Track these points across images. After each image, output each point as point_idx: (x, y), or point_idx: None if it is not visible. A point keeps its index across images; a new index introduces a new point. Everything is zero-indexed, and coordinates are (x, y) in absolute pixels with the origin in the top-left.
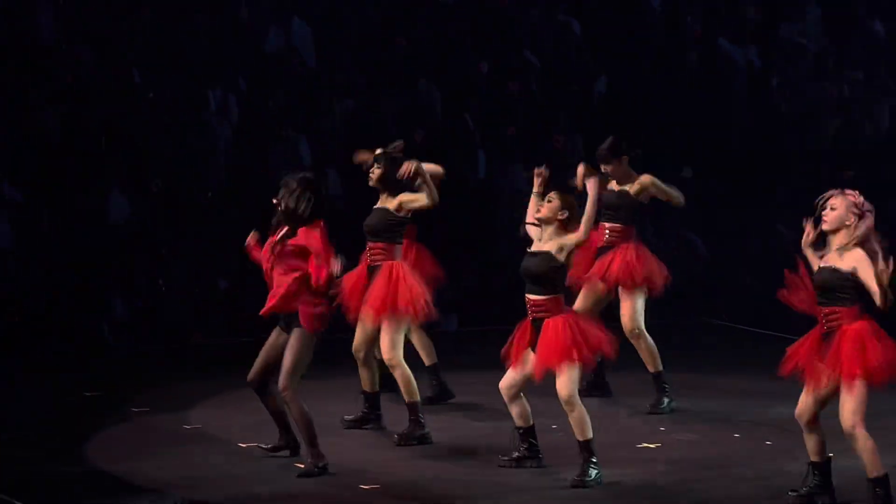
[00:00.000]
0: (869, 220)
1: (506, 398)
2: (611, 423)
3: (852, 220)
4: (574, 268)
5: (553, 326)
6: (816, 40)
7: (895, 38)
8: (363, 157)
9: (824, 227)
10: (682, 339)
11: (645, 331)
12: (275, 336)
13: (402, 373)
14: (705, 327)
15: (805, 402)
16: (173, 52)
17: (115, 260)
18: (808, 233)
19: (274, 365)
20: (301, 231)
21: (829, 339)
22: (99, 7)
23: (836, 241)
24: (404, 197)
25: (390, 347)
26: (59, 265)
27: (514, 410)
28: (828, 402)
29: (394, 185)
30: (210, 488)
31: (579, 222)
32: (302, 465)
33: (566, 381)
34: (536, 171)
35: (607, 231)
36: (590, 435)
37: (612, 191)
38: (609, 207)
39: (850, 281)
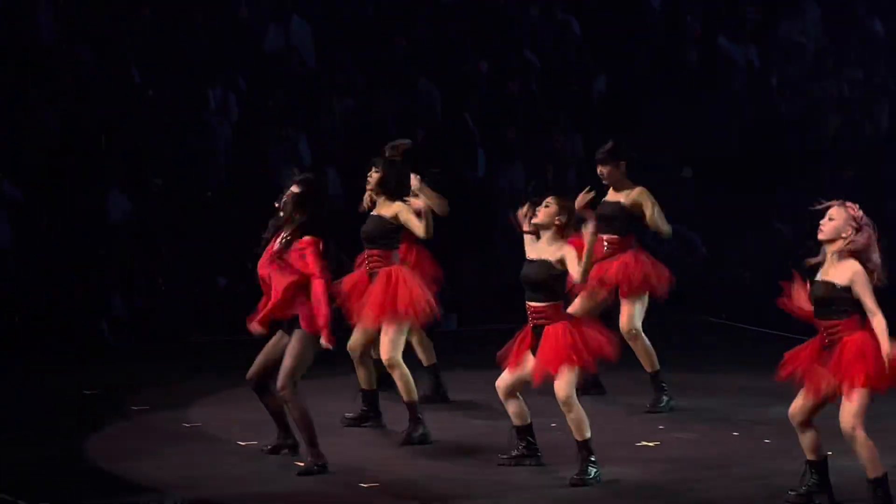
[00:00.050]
0: (866, 233)
1: (502, 397)
2: (610, 422)
3: (849, 232)
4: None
5: (553, 333)
6: (816, 40)
7: (895, 38)
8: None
9: (820, 236)
10: (681, 337)
11: (642, 332)
12: (277, 338)
13: (401, 373)
14: (704, 326)
15: (800, 405)
16: (173, 51)
17: (115, 259)
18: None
19: (273, 366)
20: (296, 253)
21: (830, 349)
22: (99, 7)
23: (832, 250)
24: (402, 213)
25: (390, 348)
26: (58, 264)
27: (511, 409)
28: (823, 408)
29: (392, 190)
30: (210, 487)
31: (577, 227)
32: (301, 464)
33: (564, 383)
34: (520, 212)
35: (606, 242)
36: (588, 435)
37: (608, 202)
38: (605, 219)
39: (847, 294)
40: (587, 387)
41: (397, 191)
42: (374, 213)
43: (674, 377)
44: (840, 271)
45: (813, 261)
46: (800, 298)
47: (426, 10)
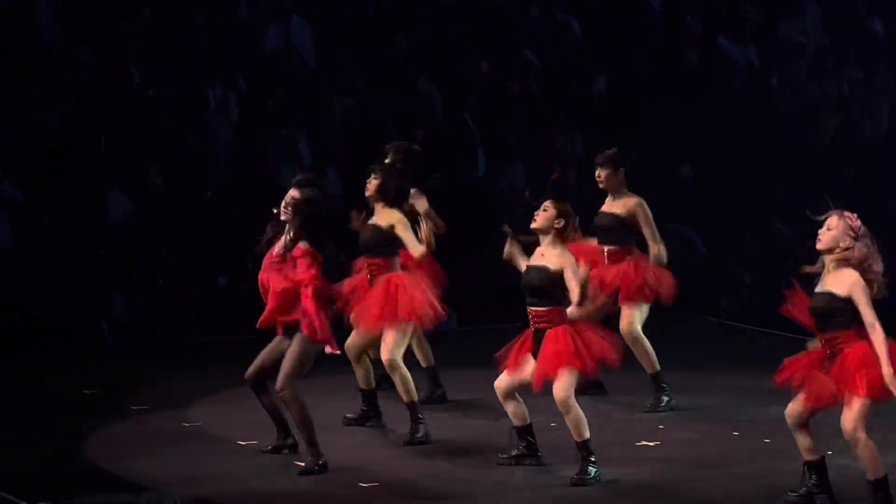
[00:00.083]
0: (863, 244)
1: (500, 398)
2: (610, 421)
3: (847, 241)
4: None
5: (554, 337)
6: (816, 39)
7: (895, 38)
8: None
9: (818, 245)
10: (681, 337)
11: (642, 334)
12: (278, 340)
13: (401, 374)
14: (704, 326)
15: (796, 409)
16: (173, 51)
17: (115, 259)
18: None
19: (271, 367)
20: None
21: (831, 360)
22: (99, 7)
23: (830, 260)
24: (398, 227)
25: (391, 350)
26: (58, 264)
27: (510, 410)
28: (819, 413)
29: (391, 197)
30: (209, 486)
31: (576, 230)
32: (301, 464)
33: (563, 385)
34: (510, 233)
35: (606, 253)
36: (587, 435)
37: (604, 213)
38: (602, 230)
39: (847, 304)
40: (587, 387)
41: (396, 198)
42: (370, 221)
43: (674, 377)
44: (839, 282)
45: (809, 269)
46: (802, 305)
47: (426, 10)
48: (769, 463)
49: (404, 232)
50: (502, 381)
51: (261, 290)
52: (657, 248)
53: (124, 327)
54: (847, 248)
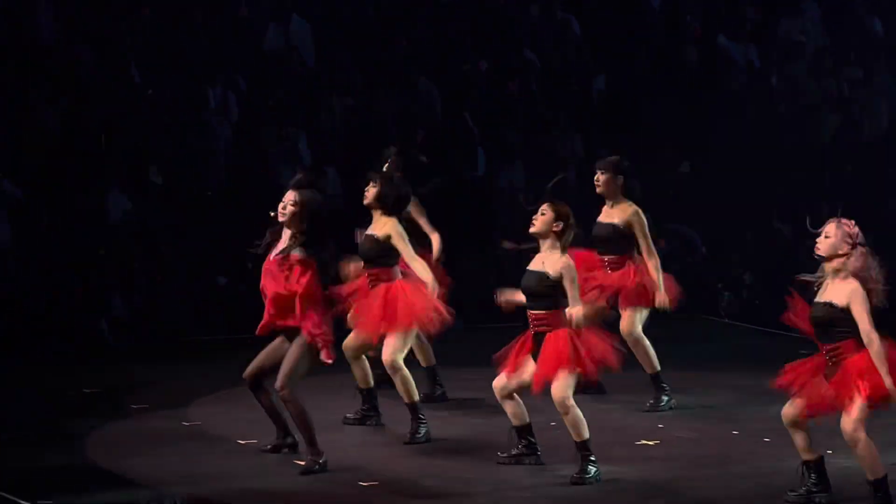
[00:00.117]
0: (860, 254)
1: (498, 397)
2: (610, 421)
3: (846, 248)
4: None
5: (554, 339)
6: (816, 39)
7: (894, 37)
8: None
9: (817, 253)
10: (680, 336)
11: (643, 335)
12: (278, 342)
13: (402, 376)
14: (704, 324)
15: (792, 411)
16: (173, 50)
17: (115, 258)
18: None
19: (270, 368)
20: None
21: (833, 369)
22: (99, 6)
23: (830, 268)
24: (395, 237)
25: (393, 351)
26: (58, 264)
27: (508, 409)
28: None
29: (389, 206)
30: (209, 485)
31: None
32: (301, 462)
33: (561, 385)
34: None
35: (606, 263)
36: (586, 435)
37: (602, 224)
38: (601, 241)
39: (846, 314)
40: (585, 387)
41: (395, 207)
42: (368, 231)
43: (674, 376)
44: (839, 291)
45: (806, 277)
46: (803, 313)
47: (426, 10)
48: (769, 462)
49: (400, 242)
50: (500, 382)
51: (262, 294)
52: (652, 262)
53: (124, 327)
54: (845, 256)
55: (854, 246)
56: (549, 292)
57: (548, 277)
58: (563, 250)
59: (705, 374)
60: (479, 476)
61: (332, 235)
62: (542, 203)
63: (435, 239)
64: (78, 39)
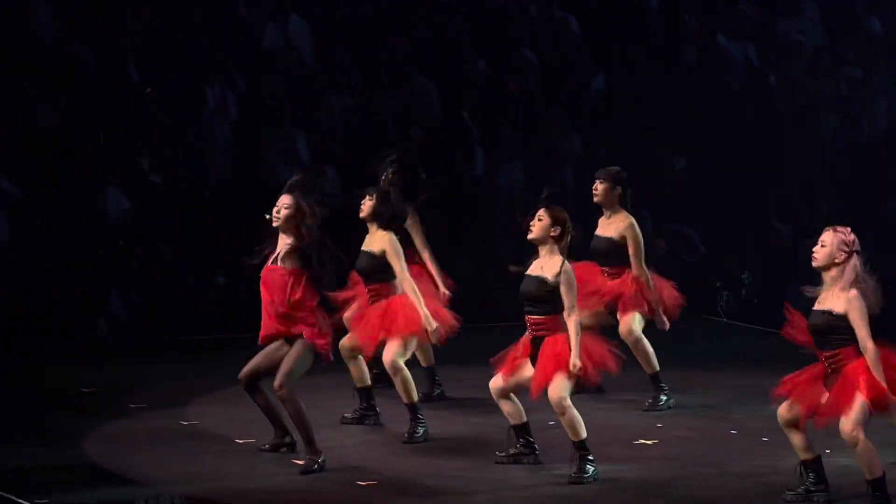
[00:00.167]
0: (854, 263)
1: (494, 397)
2: (608, 420)
3: (842, 257)
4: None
5: (553, 343)
6: (814, 38)
7: (893, 36)
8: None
9: (814, 263)
10: (679, 336)
11: (643, 336)
12: (275, 345)
13: (403, 377)
14: (702, 324)
15: (788, 414)
16: (172, 49)
17: (113, 257)
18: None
19: (266, 370)
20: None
21: (832, 379)
22: (97, 5)
23: (828, 277)
24: (389, 254)
25: (395, 353)
26: (57, 263)
27: (505, 408)
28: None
29: (386, 221)
30: (207, 484)
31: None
32: (299, 462)
33: (558, 386)
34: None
35: (606, 274)
36: (583, 435)
37: (599, 237)
38: (600, 254)
39: (845, 322)
40: (585, 385)
41: (391, 222)
42: (364, 248)
43: (672, 376)
44: (837, 299)
45: (810, 291)
46: (800, 325)
47: (425, 9)
48: (767, 461)
49: (395, 260)
50: (497, 382)
51: (262, 297)
52: (642, 279)
53: (123, 326)
54: (842, 263)
55: (851, 254)
56: (548, 297)
57: (546, 283)
58: (563, 254)
59: (704, 374)
60: (478, 475)
61: (329, 236)
62: (539, 208)
63: (427, 258)
64: (77, 39)
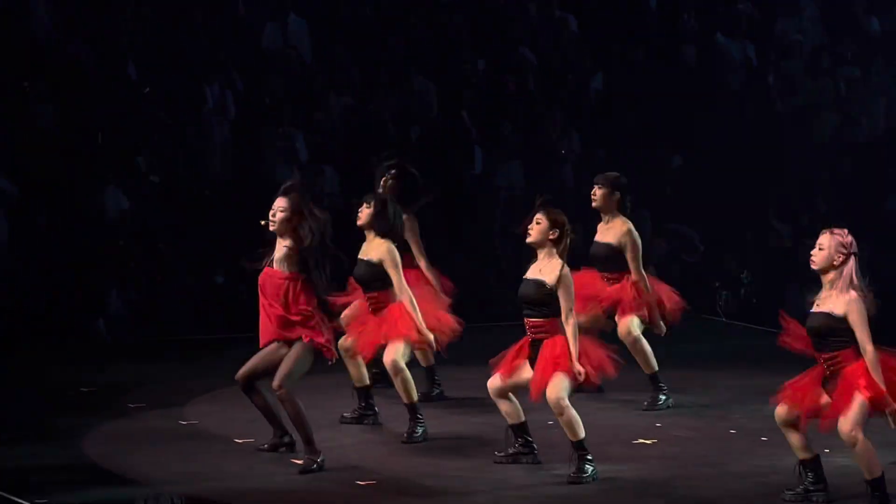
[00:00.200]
0: (850, 266)
1: (492, 396)
2: (607, 419)
3: (840, 258)
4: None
5: (552, 346)
6: (813, 37)
7: (891, 36)
8: None
9: (813, 266)
10: (678, 335)
11: (641, 336)
12: (273, 347)
13: (403, 377)
14: (702, 323)
15: (786, 414)
16: (171, 48)
17: (112, 256)
18: None
19: (264, 372)
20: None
21: (832, 381)
22: (97, 4)
23: (827, 279)
24: (387, 264)
25: (396, 353)
26: (56, 262)
27: (503, 408)
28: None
29: (384, 230)
30: (206, 484)
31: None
32: (297, 461)
33: (556, 386)
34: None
35: (606, 279)
36: (582, 435)
37: (599, 243)
38: (599, 260)
39: (844, 324)
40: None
41: (390, 231)
42: (361, 256)
43: (672, 375)
44: (836, 301)
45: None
46: (796, 333)
47: (424, 8)
48: (766, 461)
49: (393, 271)
50: (495, 382)
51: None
52: (640, 284)
53: (121, 325)
54: (841, 265)
55: (849, 255)
56: (547, 300)
57: (545, 286)
58: (562, 257)
59: (703, 374)
60: (477, 475)
61: (328, 235)
62: (537, 212)
63: (423, 265)
64: (76, 38)
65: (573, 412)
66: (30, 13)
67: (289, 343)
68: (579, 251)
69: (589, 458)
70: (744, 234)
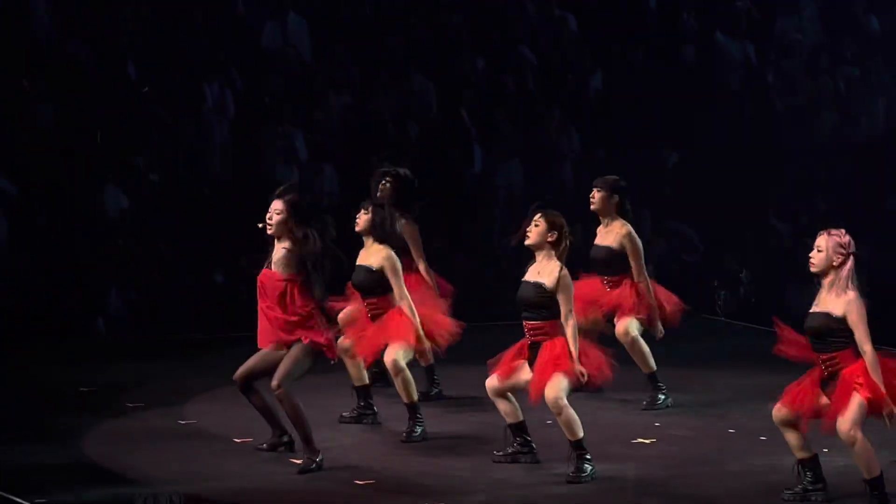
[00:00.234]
0: (849, 266)
1: (490, 396)
2: (606, 419)
3: (839, 259)
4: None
5: (551, 348)
6: (812, 36)
7: (891, 35)
8: None
9: (812, 269)
10: (677, 334)
11: (639, 337)
12: (273, 347)
13: (404, 377)
14: (701, 323)
15: (784, 413)
16: (170, 48)
17: (111, 255)
18: None
19: (260, 373)
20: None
21: (830, 382)
22: (97, 4)
23: (827, 280)
24: (388, 271)
25: (397, 353)
26: (55, 261)
27: (501, 407)
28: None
29: (381, 235)
30: (205, 483)
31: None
32: (296, 461)
33: (554, 385)
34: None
35: (607, 283)
36: (580, 434)
37: (599, 246)
38: (599, 263)
39: (843, 324)
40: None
41: (387, 236)
42: (360, 262)
43: (671, 374)
44: (836, 301)
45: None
46: (791, 339)
47: (423, 7)
48: (764, 460)
49: (393, 278)
50: (492, 382)
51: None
52: (642, 285)
53: (121, 325)
54: (840, 266)
55: (848, 255)
56: (546, 303)
57: (544, 288)
58: (561, 260)
59: (702, 373)
60: (476, 474)
61: (328, 234)
62: (535, 214)
63: (422, 269)
64: (75, 37)
65: (572, 412)
66: (30, 13)
67: (288, 346)
68: (578, 251)
69: (588, 457)
70: (743, 233)
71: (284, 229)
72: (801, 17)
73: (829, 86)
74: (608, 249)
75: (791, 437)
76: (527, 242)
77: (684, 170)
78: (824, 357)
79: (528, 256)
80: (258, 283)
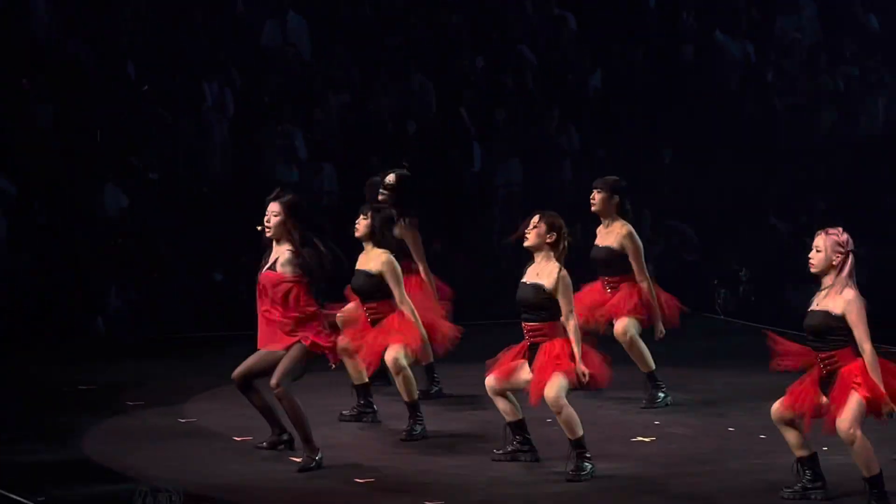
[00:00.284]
0: (849, 265)
1: (490, 394)
2: (605, 417)
3: (838, 258)
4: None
5: (550, 348)
6: (812, 35)
7: (890, 33)
8: None
9: (812, 269)
10: (677, 333)
11: (637, 337)
12: (272, 348)
13: (405, 376)
14: (700, 321)
15: (781, 413)
16: (170, 47)
17: (111, 254)
18: None
19: (259, 372)
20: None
21: (829, 382)
22: (96, 3)
23: (827, 280)
24: (387, 275)
25: (398, 352)
26: (54, 260)
27: (500, 406)
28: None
29: (379, 240)
30: (205, 482)
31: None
32: (296, 459)
33: (554, 385)
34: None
35: (607, 284)
36: (580, 433)
37: (599, 247)
38: (600, 263)
39: (842, 323)
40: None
41: (386, 241)
42: (359, 266)
43: (670, 373)
44: (835, 300)
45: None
46: (786, 349)
47: (424, 7)
48: (764, 458)
49: (393, 283)
50: (492, 380)
51: (258, 301)
52: (644, 286)
53: (121, 323)
54: (839, 265)
55: (847, 254)
56: (546, 304)
57: (543, 289)
58: (559, 261)
59: (701, 372)
60: (475, 472)
61: (325, 235)
62: (533, 215)
63: (422, 271)
64: (75, 36)
65: (571, 410)
66: (29, 12)
67: (287, 347)
68: (579, 251)
69: (587, 455)
70: (743, 232)
71: (283, 231)
72: (801, 16)
73: (829, 85)
74: (608, 250)
75: (790, 436)
76: (526, 244)
77: (684, 170)
78: (823, 355)
79: (527, 256)
80: (258, 286)
